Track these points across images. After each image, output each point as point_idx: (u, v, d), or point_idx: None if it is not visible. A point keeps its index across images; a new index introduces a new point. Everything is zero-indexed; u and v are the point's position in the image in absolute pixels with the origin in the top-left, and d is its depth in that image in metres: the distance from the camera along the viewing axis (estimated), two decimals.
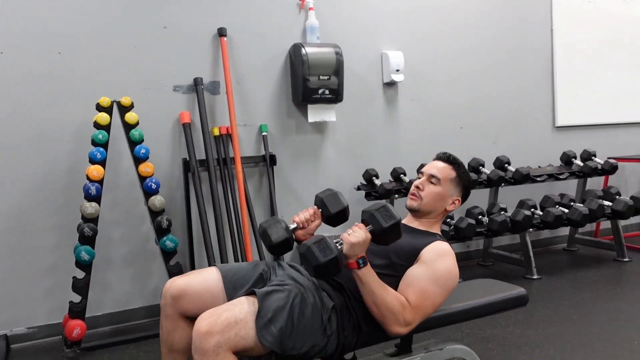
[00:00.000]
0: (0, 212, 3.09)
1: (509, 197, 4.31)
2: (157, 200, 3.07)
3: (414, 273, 1.83)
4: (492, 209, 3.99)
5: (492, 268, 4.32)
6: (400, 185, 3.86)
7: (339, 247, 1.70)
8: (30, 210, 3.14)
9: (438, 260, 1.85)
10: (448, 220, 3.73)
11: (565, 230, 4.82)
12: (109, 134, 3.02)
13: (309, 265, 1.66)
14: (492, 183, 4.04)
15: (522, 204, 4.02)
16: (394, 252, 1.90)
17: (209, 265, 3.33)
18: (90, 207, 2.93)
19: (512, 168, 4.17)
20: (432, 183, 2.02)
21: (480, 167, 4.11)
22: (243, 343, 1.56)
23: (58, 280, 3.17)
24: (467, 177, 2.11)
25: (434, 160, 2.14)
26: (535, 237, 4.78)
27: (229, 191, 3.50)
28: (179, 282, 1.85)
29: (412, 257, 1.90)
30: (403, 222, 1.99)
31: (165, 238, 3.09)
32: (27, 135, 3.10)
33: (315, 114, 3.73)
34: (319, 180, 3.90)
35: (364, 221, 1.82)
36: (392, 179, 3.96)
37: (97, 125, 2.99)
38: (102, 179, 2.98)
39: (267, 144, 3.64)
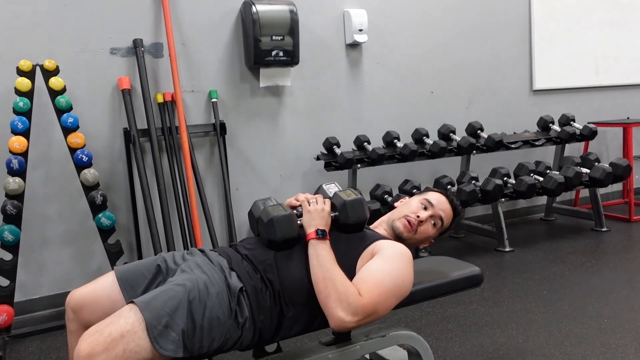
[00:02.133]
0: None
1: (484, 166, 4.08)
2: (89, 174, 2.81)
3: (371, 266, 1.60)
4: (462, 178, 3.75)
5: (464, 240, 4.12)
6: (363, 154, 3.61)
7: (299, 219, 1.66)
8: None
9: (399, 259, 1.62)
10: (413, 191, 3.50)
11: (543, 200, 4.61)
12: (31, 101, 2.74)
13: (266, 236, 1.62)
14: (463, 150, 3.80)
15: (494, 173, 3.79)
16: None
17: (153, 246, 3.08)
18: (13, 183, 2.67)
19: (484, 135, 3.92)
20: (433, 224, 1.83)
21: (451, 134, 3.86)
22: (136, 357, 1.31)
23: None
24: (449, 229, 1.94)
25: (443, 195, 1.90)
26: (512, 206, 4.57)
27: (175, 163, 3.23)
28: (77, 294, 1.61)
29: (360, 247, 1.67)
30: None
31: (100, 215, 2.83)
32: None
33: (268, 78, 3.44)
34: (277, 150, 3.64)
35: (332, 205, 1.71)
36: (355, 148, 3.71)
37: (17, 92, 2.71)
38: (26, 151, 2.71)
39: (217, 111, 3.36)
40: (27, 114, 2.72)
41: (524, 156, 4.29)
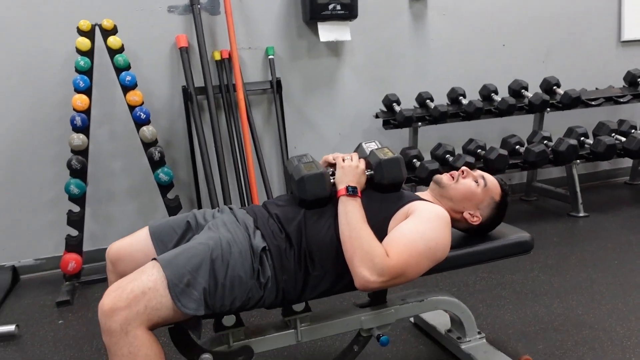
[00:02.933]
0: None
1: (561, 125, 3.77)
2: (147, 131, 2.88)
3: (403, 227, 1.52)
4: (533, 137, 3.51)
5: (536, 204, 3.89)
6: (425, 112, 3.45)
7: (332, 177, 1.64)
8: (26, 143, 3.05)
9: (434, 221, 1.54)
10: (478, 150, 3.31)
11: (628, 162, 4.24)
12: (92, 60, 2.83)
13: (297, 194, 1.61)
14: (535, 108, 3.53)
15: (570, 132, 3.51)
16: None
17: (211, 202, 3.15)
18: (77, 139, 2.79)
19: (560, 91, 3.62)
20: (476, 182, 1.71)
21: (522, 91, 3.59)
22: (157, 314, 1.33)
23: (62, 213, 3.11)
24: (502, 213, 1.78)
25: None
26: (592, 169, 4.25)
27: (232, 121, 3.25)
28: (114, 247, 1.67)
29: (394, 206, 1.60)
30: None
31: (159, 170, 2.92)
32: (14, 64, 2.96)
33: (327, 32, 3.34)
34: (335, 107, 3.56)
35: (368, 164, 1.67)
36: (417, 105, 3.55)
37: (78, 51, 2.80)
38: (88, 108, 2.82)
39: (274, 68, 3.32)
40: (88, 72, 2.82)
41: (608, 115, 3.93)
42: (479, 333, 1.94)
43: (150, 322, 1.31)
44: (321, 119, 3.56)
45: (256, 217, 1.60)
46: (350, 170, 1.61)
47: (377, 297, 1.82)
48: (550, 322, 2.18)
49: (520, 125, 3.80)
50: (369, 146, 1.79)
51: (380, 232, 1.53)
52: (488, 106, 3.52)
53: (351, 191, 1.55)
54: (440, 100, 3.57)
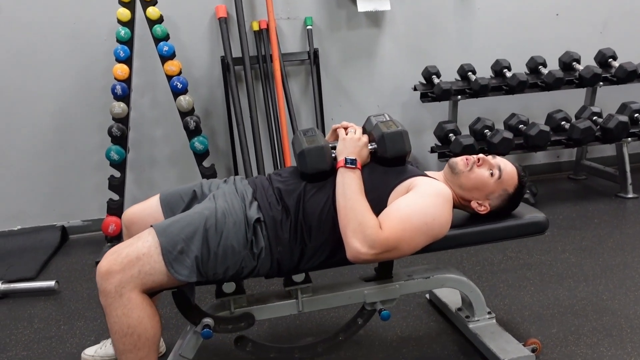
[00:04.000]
0: (49, 110, 3.20)
1: (617, 101, 3.54)
2: (184, 100, 2.96)
3: (401, 201, 1.52)
4: (581, 113, 3.33)
5: (584, 183, 3.71)
6: (465, 85, 3.34)
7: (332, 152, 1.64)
8: (74, 110, 3.22)
9: (434, 197, 1.53)
10: (519, 126, 3.19)
11: None
12: (132, 30, 2.92)
13: (298, 167, 1.64)
14: (585, 82, 3.33)
15: (623, 109, 3.30)
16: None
17: (245, 172, 3.22)
18: (118, 107, 2.92)
19: (616, 64, 3.40)
20: (491, 172, 1.64)
21: (574, 63, 3.40)
22: (151, 279, 1.40)
23: (106, 177, 3.27)
24: (513, 205, 1.72)
25: (510, 163, 1.73)
26: None
27: (269, 91, 3.28)
28: (129, 212, 1.77)
29: (395, 180, 1.59)
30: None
31: (194, 139, 3.01)
32: (62, 33, 3.11)
33: (366, 2, 3.28)
34: (374, 78, 3.52)
35: (370, 135, 1.67)
36: (459, 78, 3.44)
37: (119, 22, 2.90)
38: (128, 77, 2.93)
39: (312, 39, 3.31)
40: (128, 42, 2.92)
41: None
42: (489, 313, 1.91)
43: (144, 286, 1.39)
44: (359, 91, 3.53)
45: (256, 188, 1.63)
46: (351, 143, 1.61)
47: (383, 271, 1.82)
48: (570, 306, 2.11)
49: (572, 101, 3.60)
50: (377, 119, 1.77)
51: (380, 204, 1.53)
52: (535, 79, 3.36)
53: (350, 162, 1.55)
54: (483, 73, 3.44)
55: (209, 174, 3.11)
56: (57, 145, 3.25)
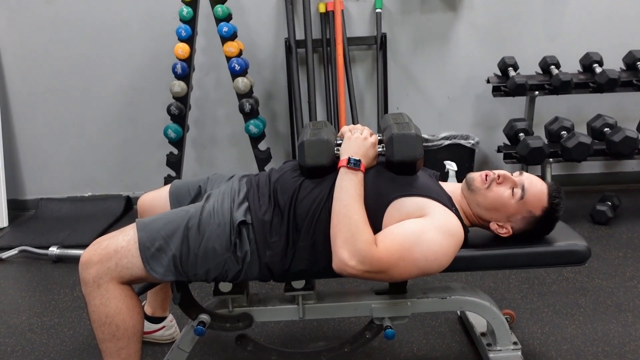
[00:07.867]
0: (121, 86, 3.33)
1: None
2: (241, 82, 2.94)
3: (410, 225, 1.38)
4: None
5: None
6: (544, 79, 3.01)
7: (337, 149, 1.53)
8: (144, 85, 3.32)
9: (446, 236, 1.38)
10: (604, 129, 2.83)
11: None
12: (194, 10, 2.92)
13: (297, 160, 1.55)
14: None
15: None
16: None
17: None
18: (177, 86, 2.96)
19: None
20: (512, 192, 1.46)
21: (638, 63, 2.94)
22: (129, 273, 1.40)
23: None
24: (544, 230, 1.53)
25: (541, 181, 1.53)
26: None
27: (331, 76, 3.18)
28: (142, 199, 1.79)
29: (399, 191, 1.44)
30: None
31: (249, 122, 2.99)
32: (134, 11, 3.19)
33: None
34: (446, 67, 3.29)
35: (380, 140, 1.54)
36: (540, 72, 3.12)
37: (183, 1, 2.91)
38: (189, 57, 2.94)
39: (380, 22, 3.14)
40: (190, 22, 2.93)
41: None
42: (514, 344, 1.71)
43: (121, 279, 1.39)
44: (429, 80, 3.31)
45: (250, 188, 1.55)
46: (356, 142, 1.47)
47: (397, 284, 1.69)
48: (620, 345, 1.85)
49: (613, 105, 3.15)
50: (393, 118, 1.61)
51: (377, 213, 1.41)
52: (630, 77, 2.97)
53: (353, 163, 1.42)
54: (571, 67, 3.09)
55: (263, 157, 3.09)
56: (127, 119, 3.39)
